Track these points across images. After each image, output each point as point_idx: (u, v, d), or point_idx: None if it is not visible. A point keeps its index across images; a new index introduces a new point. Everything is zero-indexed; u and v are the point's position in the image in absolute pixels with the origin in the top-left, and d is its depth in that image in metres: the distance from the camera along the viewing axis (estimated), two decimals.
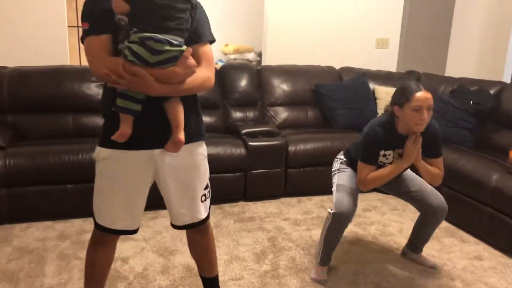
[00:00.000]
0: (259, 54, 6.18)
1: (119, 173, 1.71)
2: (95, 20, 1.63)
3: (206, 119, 3.83)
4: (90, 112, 3.49)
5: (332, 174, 2.59)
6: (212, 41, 1.78)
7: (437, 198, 2.48)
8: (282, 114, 4.11)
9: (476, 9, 4.71)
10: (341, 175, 2.52)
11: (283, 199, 3.62)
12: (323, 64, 4.48)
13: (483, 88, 3.80)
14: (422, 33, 5.71)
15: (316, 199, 3.65)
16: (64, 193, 3.06)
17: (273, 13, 4.60)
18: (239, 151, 3.44)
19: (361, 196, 3.60)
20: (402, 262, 2.72)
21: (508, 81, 4.27)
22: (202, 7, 1.75)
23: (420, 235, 2.65)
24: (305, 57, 4.62)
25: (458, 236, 3.09)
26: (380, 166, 2.41)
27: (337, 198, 2.43)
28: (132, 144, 1.67)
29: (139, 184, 1.75)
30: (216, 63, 6.74)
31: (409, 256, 2.75)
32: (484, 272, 2.64)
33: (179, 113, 1.66)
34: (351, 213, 2.40)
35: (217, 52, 7.01)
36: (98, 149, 1.74)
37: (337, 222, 2.41)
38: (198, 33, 1.69)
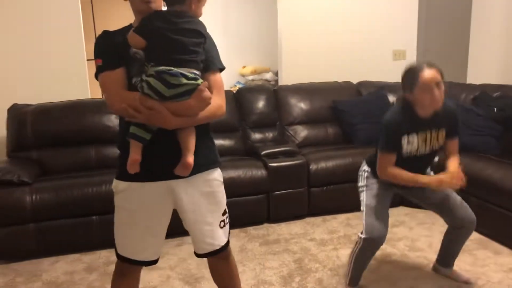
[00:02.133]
0: (277, 73, 6.20)
1: (137, 205, 1.72)
2: (108, 55, 1.66)
3: (225, 142, 3.87)
4: (112, 143, 3.54)
5: (359, 190, 2.49)
6: (221, 68, 1.80)
7: (465, 210, 2.40)
8: (301, 132, 4.09)
9: (494, 13, 4.62)
10: (369, 193, 2.41)
11: (308, 219, 3.58)
12: (340, 80, 4.46)
13: (506, 93, 3.71)
14: (440, 41, 5.64)
15: (342, 217, 3.59)
16: (90, 225, 3.09)
17: (287, 32, 4.63)
18: (260, 172, 3.43)
19: None
20: (434, 278, 2.63)
21: None
22: (211, 37, 1.77)
23: (449, 249, 2.57)
24: (322, 74, 4.60)
25: (491, 247, 2.98)
26: (407, 157, 2.29)
27: (367, 222, 2.34)
28: (148, 175, 1.68)
29: (158, 215, 1.76)
30: (235, 85, 6.81)
31: (441, 271, 2.66)
32: None
33: (191, 138, 1.67)
34: (383, 237, 2.33)
35: (235, 75, 7.08)
36: (116, 182, 1.76)
37: (369, 247, 2.36)
38: (208, 62, 1.71)
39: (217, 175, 1.84)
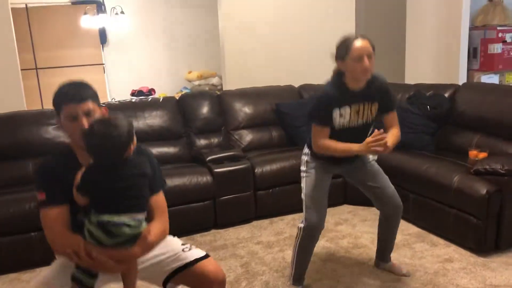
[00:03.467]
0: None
1: None
2: (51, 191, 1.63)
3: (170, 149, 3.84)
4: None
5: (301, 175, 2.53)
6: (164, 188, 1.81)
7: (395, 198, 2.53)
8: (246, 137, 4.12)
9: (426, 14, 4.85)
10: (308, 180, 2.46)
11: (255, 222, 3.61)
12: (283, 84, 4.53)
13: (438, 92, 3.90)
14: (378, 43, 5.83)
15: (288, 218, 3.64)
16: (29, 242, 2.97)
17: (228, 37, 4.66)
18: (205, 179, 3.43)
19: (331, 210, 3.64)
20: (375, 273, 2.72)
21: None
22: (152, 155, 1.79)
23: (384, 242, 2.69)
24: (265, 78, 4.65)
25: (428, 240, 3.12)
26: (341, 129, 2.33)
27: (306, 210, 2.44)
28: None
29: None
30: (181, 91, 6.76)
31: (382, 266, 2.76)
32: (455, 274, 2.67)
33: (134, 278, 1.69)
34: (321, 222, 2.42)
35: (181, 80, 7.04)
36: None
37: (309, 235, 2.43)
38: (150, 185, 1.70)
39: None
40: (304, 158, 2.52)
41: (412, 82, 4.48)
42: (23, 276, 2.93)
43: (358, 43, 2.21)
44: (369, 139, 2.20)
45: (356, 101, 2.31)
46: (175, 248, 1.83)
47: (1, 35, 3.77)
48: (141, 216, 1.62)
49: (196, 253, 1.84)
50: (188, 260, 1.80)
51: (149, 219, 1.70)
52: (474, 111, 3.59)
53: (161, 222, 1.73)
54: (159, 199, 1.76)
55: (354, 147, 2.27)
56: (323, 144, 2.32)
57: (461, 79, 4.54)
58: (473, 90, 3.79)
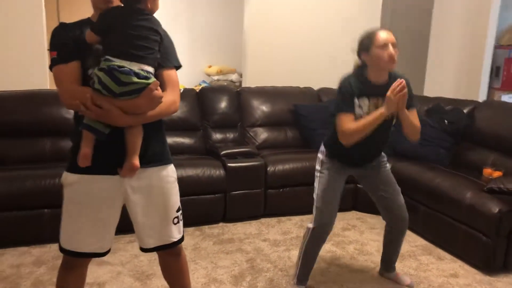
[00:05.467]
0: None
1: (86, 198, 1.72)
2: (63, 48, 1.67)
3: (185, 140, 3.88)
4: (67, 136, 3.48)
5: (315, 174, 2.52)
6: (178, 66, 1.81)
7: (403, 212, 2.54)
8: (261, 135, 4.15)
9: (451, 29, 4.83)
10: (321, 181, 2.45)
11: (263, 220, 3.63)
12: (302, 85, 4.54)
13: (457, 107, 3.88)
14: (400, 52, 5.83)
15: (296, 219, 3.66)
16: (41, 218, 3.03)
17: (252, 35, 4.68)
18: (218, 172, 3.46)
19: (340, 215, 3.62)
20: (379, 282, 2.73)
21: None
22: (168, 35, 1.79)
23: (388, 252, 2.70)
24: (285, 78, 4.68)
25: (435, 254, 3.12)
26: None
27: (316, 211, 2.44)
28: (99, 169, 1.68)
29: (108, 209, 1.76)
30: (200, 84, 6.80)
31: (386, 275, 2.76)
32: None
33: (138, 139, 1.68)
34: (330, 224, 2.44)
35: (201, 73, 7.07)
36: (65, 174, 1.75)
37: (317, 235, 2.44)
38: (163, 59, 1.73)
39: (171, 171, 1.85)
40: (320, 157, 2.51)
41: (431, 95, 4.47)
42: (33, 250, 2.99)
43: (383, 32, 2.25)
44: (388, 92, 2.20)
45: (376, 95, 2.30)
46: (168, 214, 1.84)
47: (32, 14, 3.83)
48: (150, 69, 1.63)
49: (177, 233, 1.88)
50: (165, 243, 1.85)
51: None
52: (492, 129, 3.57)
53: (172, 94, 1.73)
54: (172, 74, 1.76)
55: (380, 110, 2.24)
56: (352, 127, 2.25)
57: (481, 97, 4.51)
58: (492, 108, 3.77)
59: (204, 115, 4.08)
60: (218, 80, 6.90)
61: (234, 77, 6.93)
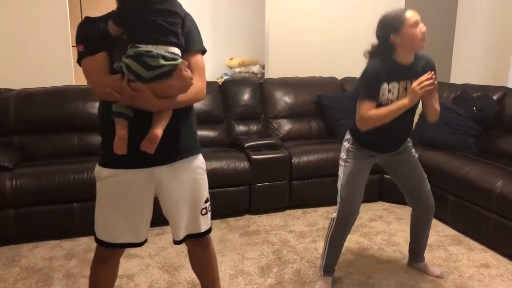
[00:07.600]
0: (264, 67, 6.22)
1: (119, 192, 1.74)
2: (89, 41, 1.69)
3: (209, 133, 3.89)
4: (95, 131, 3.53)
5: (340, 163, 2.49)
6: (203, 51, 1.80)
7: (429, 198, 2.52)
8: (285, 126, 4.13)
9: (478, 14, 4.70)
10: (346, 169, 2.41)
11: (288, 211, 3.63)
12: (325, 75, 4.50)
13: (486, 94, 3.78)
14: (426, 41, 5.71)
15: (322, 210, 3.64)
16: (71, 212, 3.09)
17: (274, 25, 4.64)
18: (243, 164, 3.46)
19: (366, 206, 3.62)
20: (408, 272, 2.70)
21: None
22: (192, 18, 1.78)
23: (416, 240, 2.67)
24: (307, 68, 4.63)
25: (465, 244, 3.06)
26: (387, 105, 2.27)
27: (340, 200, 2.42)
28: (132, 162, 1.70)
29: (140, 201, 1.78)
30: (222, 77, 6.80)
31: (415, 265, 2.73)
32: (491, 280, 2.61)
33: (165, 116, 1.67)
34: (355, 214, 2.42)
35: (222, 66, 7.07)
36: (98, 168, 1.78)
37: (342, 225, 2.42)
38: (188, 43, 1.72)
39: (200, 162, 1.86)
40: (346, 144, 2.46)
41: (458, 82, 4.37)
42: (63, 244, 3.05)
43: (411, 12, 2.20)
44: (414, 84, 2.18)
45: (404, 77, 2.26)
46: (197, 205, 1.85)
47: (56, 10, 3.89)
48: (177, 51, 1.63)
49: (205, 224, 1.89)
50: (193, 232, 1.87)
51: None
52: None
53: (200, 81, 1.73)
54: (198, 60, 1.76)
55: (404, 101, 2.21)
56: (370, 116, 2.22)
57: (511, 82, 4.39)
58: None
59: (227, 107, 4.08)
60: (240, 72, 6.88)
61: (255, 68, 6.90)
